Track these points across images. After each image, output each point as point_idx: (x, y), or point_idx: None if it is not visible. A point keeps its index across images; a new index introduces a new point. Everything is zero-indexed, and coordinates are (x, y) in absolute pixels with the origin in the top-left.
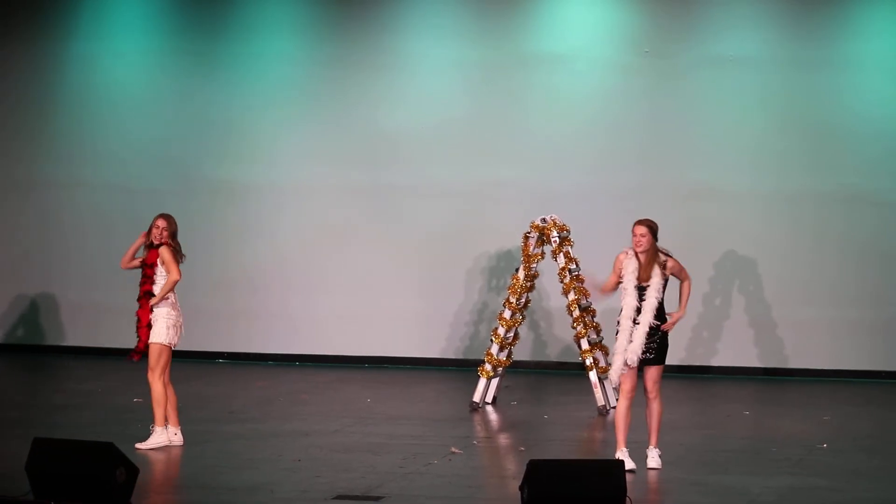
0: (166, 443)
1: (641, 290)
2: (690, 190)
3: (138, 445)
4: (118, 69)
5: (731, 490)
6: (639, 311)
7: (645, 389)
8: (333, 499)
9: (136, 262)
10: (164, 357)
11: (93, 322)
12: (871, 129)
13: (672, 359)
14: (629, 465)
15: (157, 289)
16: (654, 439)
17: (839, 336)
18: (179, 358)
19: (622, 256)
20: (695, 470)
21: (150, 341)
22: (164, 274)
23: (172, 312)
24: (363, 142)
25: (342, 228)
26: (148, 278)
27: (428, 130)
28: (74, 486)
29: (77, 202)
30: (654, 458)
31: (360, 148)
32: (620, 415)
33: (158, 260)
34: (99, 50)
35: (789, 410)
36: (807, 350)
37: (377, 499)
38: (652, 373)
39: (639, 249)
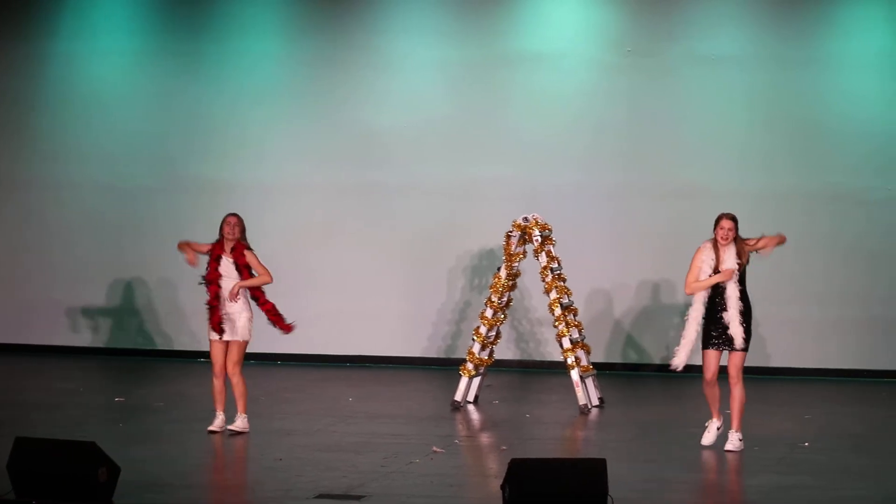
0: (246, 429)
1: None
2: (675, 189)
3: (230, 427)
4: (102, 68)
5: (714, 488)
6: (716, 298)
7: (728, 375)
8: (315, 498)
9: (203, 249)
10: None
11: (77, 321)
12: (857, 128)
13: (654, 358)
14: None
15: (230, 283)
16: (735, 424)
17: (824, 335)
18: (162, 357)
19: (699, 254)
20: (677, 468)
21: (238, 338)
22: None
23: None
24: (347, 140)
25: (325, 227)
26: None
27: (412, 129)
28: (56, 485)
29: (62, 201)
30: (733, 442)
31: (344, 147)
32: (710, 396)
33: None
34: (82, 49)
35: (772, 409)
36: (791, 349)
37: (359, 498)
38: (736, 359)
39: (726, 242)
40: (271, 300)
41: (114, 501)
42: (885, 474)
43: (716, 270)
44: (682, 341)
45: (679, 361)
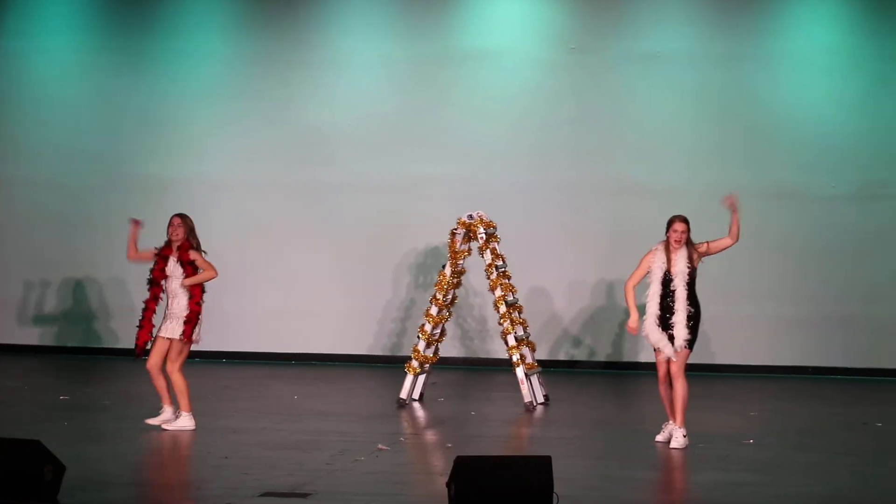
0: (191, 427)
1: (668, 282)
2: (622, 186)
3: (165, 426)
4: (47, 66)
5: (659, 485)
6: (666, 299)
7: (669, 371)
8: (261, 496)
9: (147, 255)
10: (186, 351)
11: (26, 319)
12: (807, 126)
13: (600, 355)
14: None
15: (176, 283)
16: (679, 420)
17: (775, 332)
18: (111, 355)
19: (649, 256)
20: (622, 466)
21: (172, 336)
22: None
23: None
24: (292, 138)
25: (271, 225)
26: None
27: (356, 127)
28: (1, 483)
29: (10, 198)
30: (677, 439)
31: (288, 144)
32: (665, 397)
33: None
34: (27, 47)
35: (718, 406)
36: (741, 346)
37: (305, 496)
38: (680, 356)
39: (678, 245)
40: (202, 306)
41: (59, 500)
42: (829, 471)
43: (667, 274)
44: (647, 320)
45: (655, 339)
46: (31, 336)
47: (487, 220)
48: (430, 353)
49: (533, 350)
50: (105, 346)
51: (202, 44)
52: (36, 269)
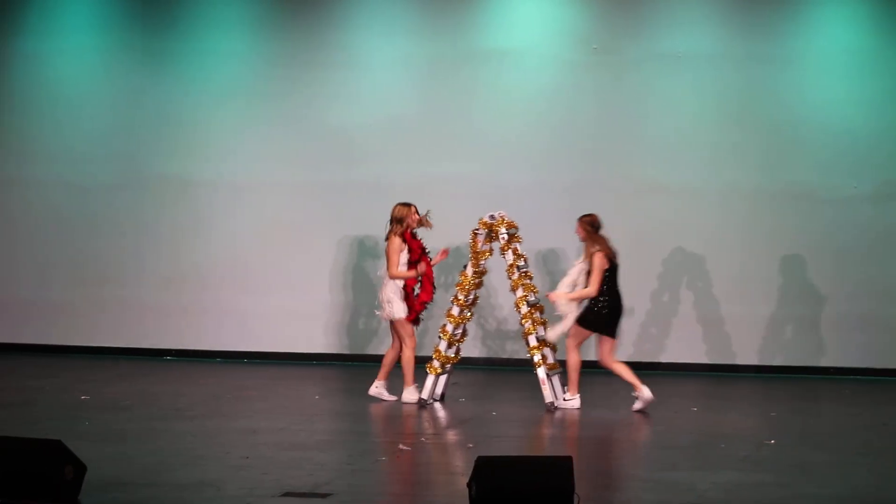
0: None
1: None
2: (641, 186)
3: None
4: (68, 66)
5: (679, 486)
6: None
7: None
8: (281, 496)
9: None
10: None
11: (43, 320)
12: (825, 127)
13: (621, 355)
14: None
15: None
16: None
17: (791, 332)
18: (128, 355)
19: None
20: (643, 466)
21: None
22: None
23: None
24: (313, 138)
25: (291, 225)
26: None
27: (377, 127)
28: (21, 483)
29: (29, 199)
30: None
31: (309, 144)
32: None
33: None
34: (48, 47)
35: (737, 406)
36: (759, 347)
37: (325, 496)
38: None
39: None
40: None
41: (80, 500)
42: (848, 472)
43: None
44: None
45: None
46: (50, 336)
47: (509, 221)
48: (451, 353)
49: (554, 350)
50: (126, 346)
51: (223, 44)
52: (53, 269)
